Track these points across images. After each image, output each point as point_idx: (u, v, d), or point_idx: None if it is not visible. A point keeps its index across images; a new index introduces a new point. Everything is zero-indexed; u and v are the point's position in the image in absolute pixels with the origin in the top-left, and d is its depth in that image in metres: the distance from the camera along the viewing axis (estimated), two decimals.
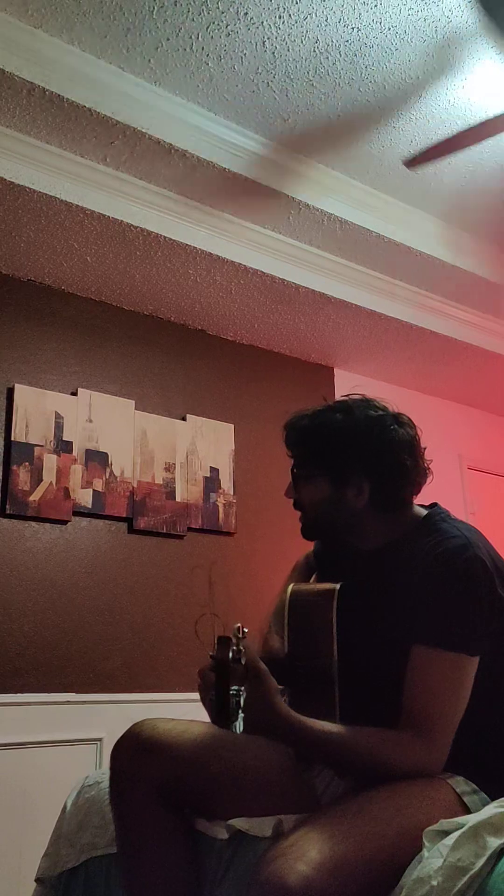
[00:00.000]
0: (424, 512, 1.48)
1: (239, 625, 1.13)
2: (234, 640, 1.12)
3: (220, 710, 1.09)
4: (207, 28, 2.42)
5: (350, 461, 1.43)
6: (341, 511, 1.45)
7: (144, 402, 3.38)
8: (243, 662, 1.14)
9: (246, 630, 1.13)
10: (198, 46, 2.48)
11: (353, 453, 1.43)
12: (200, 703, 1.20)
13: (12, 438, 2.97)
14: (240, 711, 1.08)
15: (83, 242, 3.00)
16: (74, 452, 3.10)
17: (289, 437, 1.52)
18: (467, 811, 1.23)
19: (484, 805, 1.23)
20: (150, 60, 2.53)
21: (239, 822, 1.32)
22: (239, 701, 1.08)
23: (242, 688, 1.10)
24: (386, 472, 1.43)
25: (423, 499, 1.52)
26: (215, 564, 3.37)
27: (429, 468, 1.49)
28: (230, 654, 1.10)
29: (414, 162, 2.70)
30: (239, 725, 1.08)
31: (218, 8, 2.36)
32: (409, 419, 1.50)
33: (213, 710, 1.12)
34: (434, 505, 1.51)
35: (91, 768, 2.72)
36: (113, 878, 1.45)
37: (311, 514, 1.49)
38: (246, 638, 1.14)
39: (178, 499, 3.33)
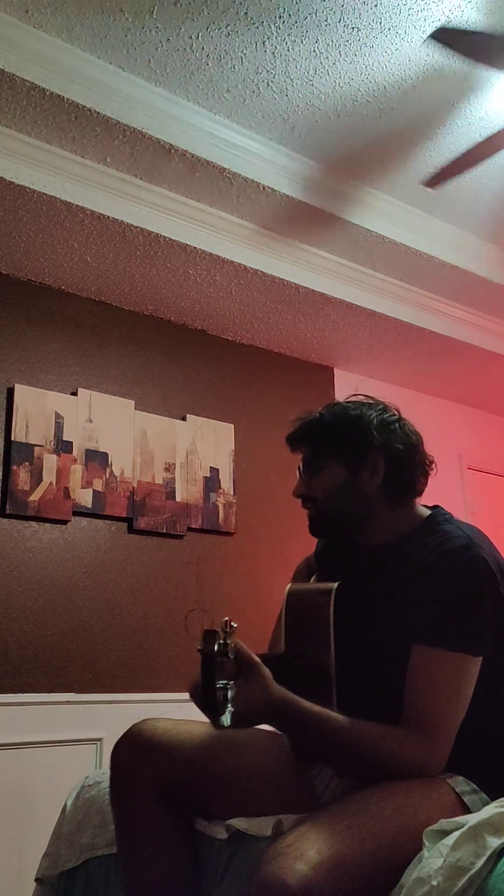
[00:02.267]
0: (428, 512, 1.49)
1: (227, 619, 1.13)
2: (221, 635, 1.11)
3: (207, 704, 1.08)
4: (207, 28, 2.42)
5: (366, 438, 1.46)
6: (354, 498, 1.46)
7: (144, 402, 3.38)
8: (232, 657, 1.13)
9: (235, 624, 1.13)
10: (198, 46, 2.48)
11: (369, 431, 1.46)
12: None
13: (12, 438, 2.97)
14: (228, 705, 1.07)
15: (83, 242, 3.00)
16: (74, 452, 3.10)
17: (300, 432, 1.53)
18: (467, 811, 1.23)
19: (484, 805, 1.23)
20: (150, 60, 2.53)
21: (239, 822, 1.32)
22: (226, 695, 1.07)
23: (231, 682, 1.09)
24: (398, 451, 1.46)
25: (422, 498, 1.52)
26: (213, 563, 3.37)
27: (433, 462, 1.52)
28: (216, 648, 1.10)
29: (434, 181, 2.77)
30: (227, 719, 1.07)
31: (218, 8, 2.36)
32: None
33: (200, 704, 1.11)
34: (436, 507, 1.52)
35: (91, 768, 2.72)
36: (113, 878, 1.45)
37: (324, 505, 1.49)
38: (234, 632, 1.13)
39: (178, 499, 3.33)
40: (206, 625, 1.13)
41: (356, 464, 1.46)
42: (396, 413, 1.52)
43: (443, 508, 1.51)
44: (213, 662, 1.08)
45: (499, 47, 2.35)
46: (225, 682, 1.08)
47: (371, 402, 1.54)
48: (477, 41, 2.39)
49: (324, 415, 1.52)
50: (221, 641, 1.11)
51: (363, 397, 1.56)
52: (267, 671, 1.20)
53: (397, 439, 1.47)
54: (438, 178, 2.78)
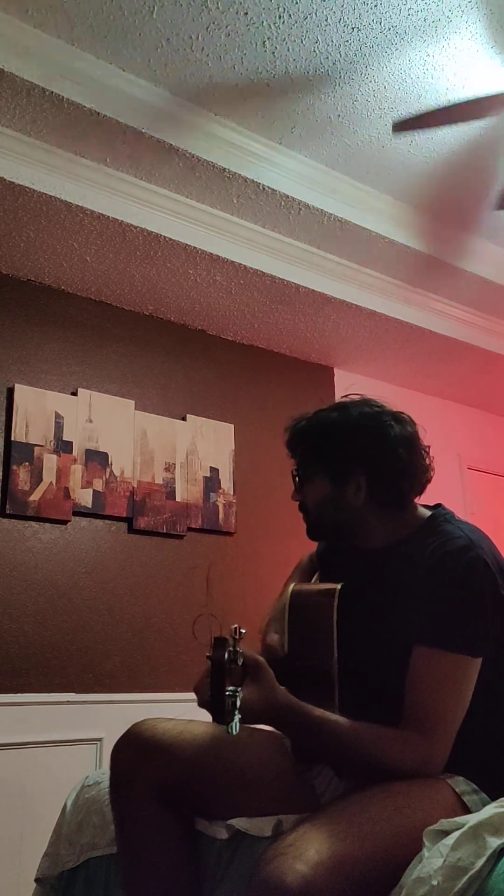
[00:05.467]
0: (429, 513, 1.48)
1: (236, 626, 1.13)
2: (230, 641, 1.11)
3: (216, 712, 1.08)
4: (207, 28, 2.42)
5: (346, 457, 1.44)
6: (342, 510, 1.45)
7: (144, 402, 3.38)
8: (240, 663, 1.13)
9: (243, 631, 1.13)
10: (198, 46, 2.48)
11: (349, 449, 1.44)
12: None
13: (12, 438, 2.97)
14: (236, 712, 1.07)
15: (83, 242, 3.00)
16: (74, 452, 3.10)
17: (290, 439, 1.54)
18: (467, 811, 1.23)
19: (484, 805, 1.23)
20: (150, 60, 2.52)
21: (239, 822, 1.32)
22: (235, 702, 1.07)
23: (239, 689, 1.09)
24: (382, 468, 1.43)
25: (422, 498, 1.51)
26: (214, 564, 3.37)
27: (431, 465, 1.49)
28: (226, 655, 1.10)
29: (402, 127, 2.71)
30: (235, 726, 1.07)
31: (218, 8, 2.36)
32: (410, 417, 1.50)
33: (210, 711, 1.11)
34: (438, 506, 1.51)
35: (91, 768, 2.72)
36: (113, 878, 1.45)
37: (314, 515, 1.49)
38: (243, 639, 1.13)
39: (178, 499, 3.33)
40: (215, 630, 1.13)
41: (340, 480, 1.44)
42: (390, 416, 1.46)
43: (444, 507, 1.50)
44: (223, 670, 1.08)
45: (457, 113, 2.46)
46: (234, 688, 1.08)
47: (360, 404, 1.48)
48: (434, 117, 2.47)
49: (309, 428, 1.49)
50: (231, 649, 1.11)
51: (357, 397, 1.51)
52: (272, 674, 1.20)
53: (380, 456, 1.43)
54: (406, 125, 2.70)
